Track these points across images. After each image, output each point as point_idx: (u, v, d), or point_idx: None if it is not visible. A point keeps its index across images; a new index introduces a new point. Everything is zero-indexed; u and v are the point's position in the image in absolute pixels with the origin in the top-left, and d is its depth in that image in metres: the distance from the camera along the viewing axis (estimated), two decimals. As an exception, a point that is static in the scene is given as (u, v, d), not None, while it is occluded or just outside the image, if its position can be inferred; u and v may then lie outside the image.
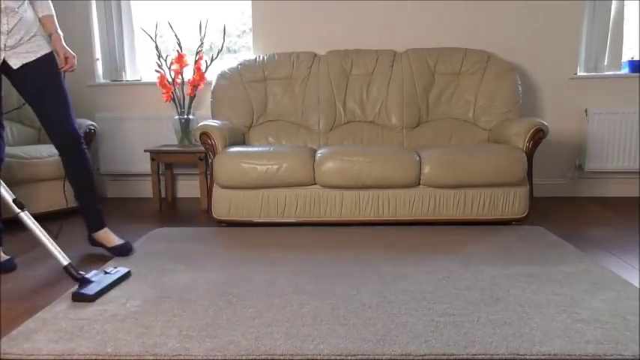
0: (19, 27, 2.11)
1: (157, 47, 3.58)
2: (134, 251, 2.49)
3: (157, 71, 3.59)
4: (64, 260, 1.97)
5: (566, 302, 1.84)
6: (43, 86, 2.22)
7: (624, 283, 2.01)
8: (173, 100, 3.60)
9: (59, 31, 2.30)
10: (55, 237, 2.53)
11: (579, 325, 1.64)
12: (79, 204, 2.42)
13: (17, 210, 1.97)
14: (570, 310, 1.77)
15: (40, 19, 2.23)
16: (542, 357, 1.46)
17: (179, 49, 3.60)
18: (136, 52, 3.93)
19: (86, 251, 2.53)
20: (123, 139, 3.86)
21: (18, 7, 2.10)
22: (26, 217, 1.99)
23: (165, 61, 3.59)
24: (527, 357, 1.46)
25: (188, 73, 3.62)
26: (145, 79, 3.91)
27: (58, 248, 1.99)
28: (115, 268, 2.14)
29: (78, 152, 2.35)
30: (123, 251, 2.43)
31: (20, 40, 2.13)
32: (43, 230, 1.99)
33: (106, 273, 2.07)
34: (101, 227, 2.46)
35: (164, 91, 3.59)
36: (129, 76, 3.91)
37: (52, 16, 2.27)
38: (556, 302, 1.83)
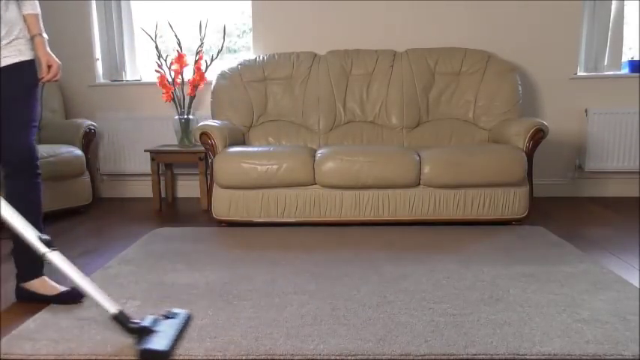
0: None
1: (157, 47, 3.58)
2: (127, 257, 2.32)
3: (156, 71, 3.59)
4: (112, 308, 1.54)
5: (566, 302, 1.83)
6: (10, 93, 1.84)
7: (624, 283, 2.01)
8: (173, 100, 3.60)
9: (44, 34, 1.94)
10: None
11: (579, 325, 1.64)
12: (15, 242, 1.87)
13: (44, 250, 1.55)
14: (570, 310, 1.77)
15: (23, 17, 1.89)
16: (542, 357, 1.46)
17: (179, 49, 3.60)
18: (136, 52, 3.93)
19: (85, 251, 2.51)
20: (123, 139, 3.86)
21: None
22: (56, 258, 1.56)
23: (165, 61, 3.59)
24: (528, 357, 1.46)
25: (188, 73, 3.62)
26: (145, 79, 3.91)
27: (102, 293, 1.57)
28: (171, 310, 1.73)
29: (29, 175, 1.94)
30: (75, 296, 1.89)
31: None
32: (80, 272, 1.58)
33: (167, 318, 1.66)
34: (38, 274, 1.94)
35: (164, 91, 3.59)
36: (129, 76, 3.91)
37: (36, 15, 1.93)
38: (556, 302, 1.83)
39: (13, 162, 1.88)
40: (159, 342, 1.50)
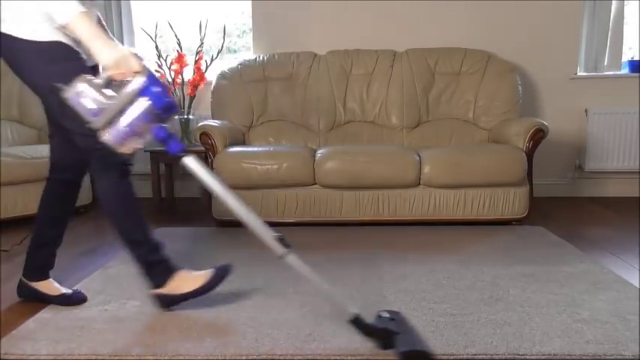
0: None
1: (157, 47, 3.58)
2: (127, 257, 2.30)
3: (156, 71, 3.58)
4: (351, 308, 1.49)
5: (566, 302, 1.83)
6: None
7: (624, 283, 2.01)
8: (173, 100, 3.59)
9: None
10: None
11: (579, 325, 1.64)
12: (43, 237, 1.87)
13: (282, 251, 1.49)
14: (570, 310, 1.77)
15: None
16: (543, 357, 1.46)
17: (179, 49, 3.60)
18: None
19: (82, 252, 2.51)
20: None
21: None
22: (294, 261, 1.51)
23: (166, 61, 3.59)
24: (528, 357, 1.46)
25: (188, 73, 3.62)
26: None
27: (341, 295, 1.55)
28: (384, 310, 1.63)
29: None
30: (76, 300, 1.89)
31: None
32: (315, 274, 1.52)
33: (391, 319, 1.56)
34: (47, 276, 1.92)
35: (164, 91, 3.58)
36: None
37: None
38: (556, 302, 1.83)
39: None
40: (414, 342, 1.46)
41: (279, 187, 2.90)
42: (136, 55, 1.50)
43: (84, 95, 1.46)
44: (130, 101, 1.46)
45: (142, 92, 1.46)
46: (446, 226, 2.89)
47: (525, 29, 3.64)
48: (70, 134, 1.69)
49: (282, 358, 1.48)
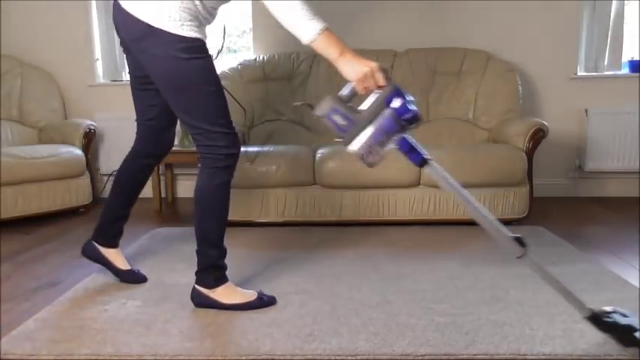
0: None
1: (157, 47, 3.57)
2: (127, 257, 2.24)
3: (157, 71, 3.58)
4: (587, 307, 1.50)
5: (566, 302, 1.83)
6: None
7: (624, 283, 2.01)
8: (173, 100, 3.59)
9: None
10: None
11: (579, 325, 1.64)
12: (120, 212, 2.07)
13: (520, 251, 1.55)
14: (570, 310, 1.76)
15: None
16: (543, 357, 1.46)
17: (179, 49, 3.59)
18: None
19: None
20: (123, 139, 3.82)
21: None
22: (530, 261, 1.57)
23: (165, 61, 3.58)
24: (528, 357, 1.46)
25: (188, 73, 3.61)
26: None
27: (573, 294, 1.52)
28: (618, 309, 1.55)
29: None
30: (139, 278, 2.08)
31: None
32: (554, 277, 1.54)
33: (623, 315, 1.52)
34: (117, 244, 2.10)
35: (164, 91, 3.58)
36: (129, 76, 3.90)
37: None
38: (556, 302, 1.83)
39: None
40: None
41: (279, 187, 2.90)
42: (382, 69, 1.56)
43: (336, 112, 1.52)
44: (377, 113, 1.52)
45: (387, 104, 1.51)
46: (446, 226, 2.89)
47: (525, 29, 3.64)
48: (189, 129, 1.77)
49: (282, 358, 1.48)
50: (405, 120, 1.53)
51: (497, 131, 3.26)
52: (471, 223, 2.90)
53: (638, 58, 3.72)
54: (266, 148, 2.98)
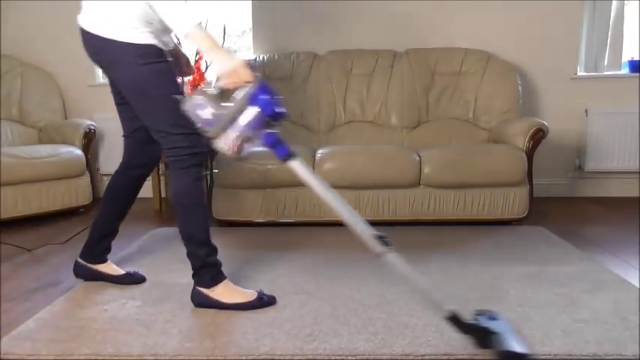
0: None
1: (157, 47, 3.57)
2: (127, 257, 2.32)
3: (157, 71, 3.58)
4: (447, 307, 1.49)
5: (566, 302, 1.83)
6: None
7: (624, 282, 2.01)
8: (173, 100, 3.59)
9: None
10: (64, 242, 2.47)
11: (579, 325, 1.64)
12: (109, 227, 2.05)
13: (381, 249, 1.52)
14: (570, 310, 1.77)
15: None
16: (543, 357, 1.46)
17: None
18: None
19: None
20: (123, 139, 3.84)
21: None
22: (394, 259, 1.53)
23: (166, 61, 3.58)
24: (528, 357, 1.46)
25: (188, 73, 3.61)
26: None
27: (437, 293, 1.53)
28: (482, 309, 1.63)
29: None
30: (140, 277, 2.10)
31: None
32: (418, 275, 1.53)
33: (491, 318, 1.55)
34: (105, 260, 2.09)
35: (164, 91, 3.58)
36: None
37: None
38: (556, 302, 1.83)
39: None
40: (514, 344, 1.42)
41: (279, 187, 2.90)
42: (248, 64, 1.58)
43: (200, 106, 1.56)
44: (242, 109, 1.53)
45: (252, 100, 1.53)
46: (446, 226, 2.89)
47: (525, 29, 3.64)
48: (153, 133, 1.81)
49: (282, 358, 1.48)
50: (269, 116, 1.54)
51: (497, 131, 3.26)
52: (471, 224, 2.91)
53: (638, 58, 3.72)
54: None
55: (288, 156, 1.57)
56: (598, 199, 3.66)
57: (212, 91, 1.58)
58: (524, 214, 2.91)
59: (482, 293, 1.93)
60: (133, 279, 2.08)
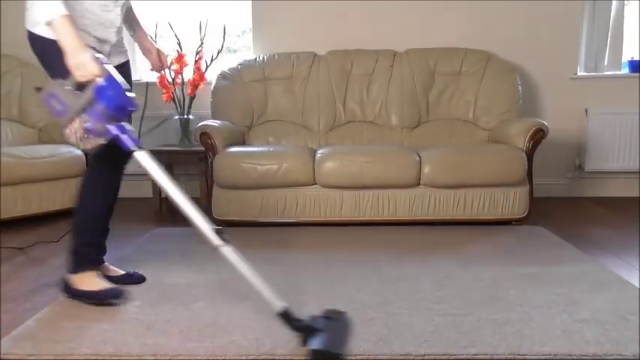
0: (122, 25, 2.02)
1: (157, 47, 3.57)
2: (127, 257, 2.31)
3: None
4: (279, 305, 1.53)
5: (566, 302, 1.83)
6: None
7: (624, 283, 2.01)
8: (173, 100, 3.59)
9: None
10: (57, 240, 2.50)
11: (579, 325, 1.64)
12: (100, 229, 2.01)
13: (218, 242, 1.57)
14: (570, 310, 1.77)
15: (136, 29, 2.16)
16: (543, 357, 1.46)
17: (179, 49, 3.60)
18: (136, 52, 3.92)
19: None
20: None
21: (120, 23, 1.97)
22: (229, 253, 1.57)
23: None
24: (528, 357, 1.46)
25: (188, 73, 3.62)
26: (144, 79, 3.90)
27: (270, 290, 1.55)
28: (329, 309, 1.70)
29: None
30: (137, 279, 2.09)
31: (119, 39, 2.02)
32: (250, 269, 1.56)
33: (327, 318, 1.62)
34: (102, 262, 2.08)
35: (164, 91, 3.59)
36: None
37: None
38: (556, 302, 1.83)
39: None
40: (330, 343, 1.47)
41: (279, 187, 2.90)
42: (97, 59, 1.62)
43: (53, 97, 1.63)
44: (88, 102, 1.61)
45: (97, 94, 1.60)
46: (446, 226, 2.89)
47: (525, 29, 3.64)
48: None
49: (282, 358, 1.48)
50: (113, 110, 1.62)
51: (497, 131, 3.26)
52: (471, 224, 2.91)
53: (638, 58, 3.72)
54: (266, 148, 2.98)
55: (133, 148, 1.66)
56: (598, 199, 3.66)
57: (65, 83, 1.63)
58: (524, 214, 2.91)
59: (482, 293, 1.93)
60: (132, 279, 2.08)
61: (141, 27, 2.19)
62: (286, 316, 1.52)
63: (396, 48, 3.58)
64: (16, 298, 1.97)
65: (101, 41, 1.83)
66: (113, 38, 1.90)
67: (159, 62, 2.17)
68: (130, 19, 2.13)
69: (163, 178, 1.67)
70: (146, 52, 2.18)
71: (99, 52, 1.78)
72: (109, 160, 1.90)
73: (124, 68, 2.02)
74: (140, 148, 1.66)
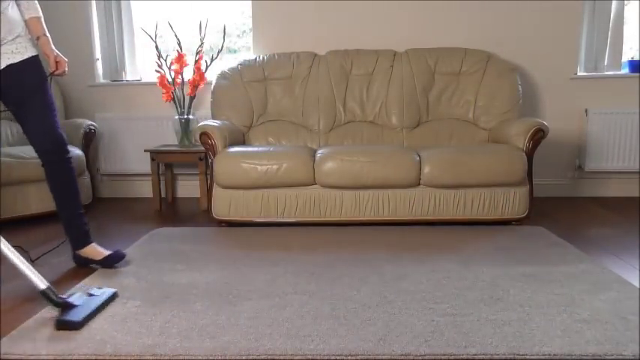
0: (2, 26, 1.98)
1: (157, 47, 3.58)
2: (127, 257, 2.34)
3: (157, 71, 3.59)
4: (42, 284, 1.73)
5: (566, 302, 1.84)
6: (27, 90, 2.06)
7: (624, 283, 2.01)
8: (173, 100, 3.60)
9: (47, 33, 2.14)
10: (57, 247, 2.54)
11: (579, 325, 1.64)
12: (62, 218, 2.23)
13: None
14: (570, 310, 1.77)
15: (26, 21, 2.10)
16: (542, 357, 1.46)
17: (179, 49, 3.60)
18: (136, 52, 3.93)
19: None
20: (123, 139, 3.85)
21: (0, 7, 1.96)
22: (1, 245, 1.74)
23: (166, 61, 3.59)
24: (528, 357, 1.46)
25: (188, 73, 3.62)
26: (145, 79, 3.91)
27: (35, 271, 1.74)
28: (100, 288, 1.93)
29: (64, 160, 2.18)
30: (117, 259, 2.26)
31: (2, 40, 1.99)
32: (17, 254, 1.75)
33: (90, 295, 1.85)
34: (87, 243, 2.27)
35: (164, 91, 3.59)
36: (129, 76, 3.90)
37: (39, 18, 2.13)
38: (556, 302, 1.83)
39: (47, 150, 2.12)
40: (76, 314, 1.70)
41: (279, 187, 2.90)
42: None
43: None
44: None
45: None
46: (446, 226, 2.89)
47: (525, 29, 3.64)
48: None
49: (282, 358, 1.48)
50: None
51: (497, 131, 3.26)
52: (471, 224, 2.91)
53: (638, 58, 3.72)
54: (266, 148, 2.98)
55: None
56: (598, 199, 3.66)
57: None
58: (524, 214, 2.91)
59: (482, 293, 1.93)
60: (117, 257, 2.27)
61: (45, 35, 2.15)
62: (47, 295, 1.72)
63: (396, 48, 3.58)
64: (16, 297, 1.96)
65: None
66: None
67: (54, 66, 2.14)
68: (30, 28, 2.15)
69: None
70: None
71: None
72: None
73: (21, 68, 2.06)
74: None
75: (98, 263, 2.26)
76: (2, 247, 1.72)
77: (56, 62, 2.12)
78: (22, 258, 1.74)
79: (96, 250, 2.27)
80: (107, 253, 2.26)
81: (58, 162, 2.17)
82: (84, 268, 2.27)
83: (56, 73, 2.14)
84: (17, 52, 2.05)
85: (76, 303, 1.76)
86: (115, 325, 1.69)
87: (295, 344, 1.55)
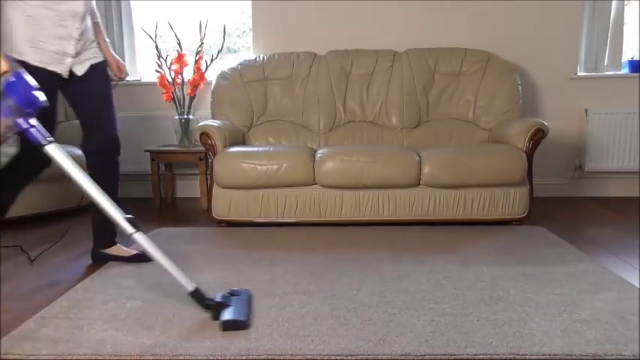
0: (85, 33, 2.09)
1: (157, 47, 3.58)
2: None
3: (157, 71, 3.59)
4: (190, 285, 1.71)
5: (566, 302, 1.84)
6: (98, 90, 2.19)
7: (624, 283, 2.01)
8: (173, 100, 3.60)
9: (107, 38, 2.29)
10: (60, 239, 2.55)
11: (579, 325, 1.64)
12: (96, 216, 2.27)
13: (131, 231, 1.70)
14: (570, 310, 1.77)
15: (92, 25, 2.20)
16: (542, 357, 1.46)
17: (179, 49, 3.60)
18: (136, 52, 3.93)
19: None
20: (123, 139, 3.81)
21: (85, 13, 2.06)
22: (141, 239, 1.72)
23: (166, 61, 3.59)
24: (528, 357, 1.46)
25: (188, 73, 3.62)
26: (145, 79, 3.91)
27: (180, 271, 1.72)
28: (233, 288, 1.89)
29: (116, 161, 2.30)
30: (143, 258, 2.25)
31: (84, 46, 2.11)
32: (160, 252, 1.75)
33: (232, 295, 1.82)
34: (114, 243, 2.36)
35: (164, 91, 3.59)
36: (129, 76, 3.89)
37: (100, 23, 2.25)
38: (556, 302, 1.83)
39: (105, 149, 2.25)
40: (237, 314, 1.68)
41: (279, 187, 2.90)
42: (7, 57, 1.73)
43: None
44: None
45: (5, 90, 1.66)
46: (446, 226, 2.89)
47: (525, 29, 3.64)
48: None
49: (281, 358, 1.48)
50: (24, 104, 1.67)
51: (497, 131, 3.26)
52: (471, 224, 2.91)
53: (638, 58, 3.72)
54: (266, 148, 2.98)
55: (43, 142, 1.70)
56: (598, 199, 3.67)
57: None
58: (525, 214, 2.91)
59: (482, 293, 1.93)
60: (144, 257, 2.22)
61: (104, 40, 2.29)
62: (197, 296, 1.70)
63: (396, 48, 3.58)
64: (16, 297, 1.97)
65: (60, 54, 1.97)
66: (72, 51, 2.03)
67: (118, 73, 2.32)
68: (95, 32, 2.23)
69: (76, 172, 1.70)
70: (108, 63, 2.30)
71: (60, 64, 1.98)
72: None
73: (96, 71, 2.17)
74: (50, 142, 1.71)
75: (125, 260, 2.32)
76: (150, 248, 1.72)
77: (118, 67, 2.29)
78: (167, 258, 1.74)
79: (122, 249, 2.35)
80: (133, 252, 2.33)
81: (110, 162, 2.28)
82: (92, 265, 2.33)
83: (121, 77, 2.32)
84: (95, 56, 2.17)
85: (228, 303, 1.74)
86: (115, 325, 1.69)
87: (295, 344, 1.55)
